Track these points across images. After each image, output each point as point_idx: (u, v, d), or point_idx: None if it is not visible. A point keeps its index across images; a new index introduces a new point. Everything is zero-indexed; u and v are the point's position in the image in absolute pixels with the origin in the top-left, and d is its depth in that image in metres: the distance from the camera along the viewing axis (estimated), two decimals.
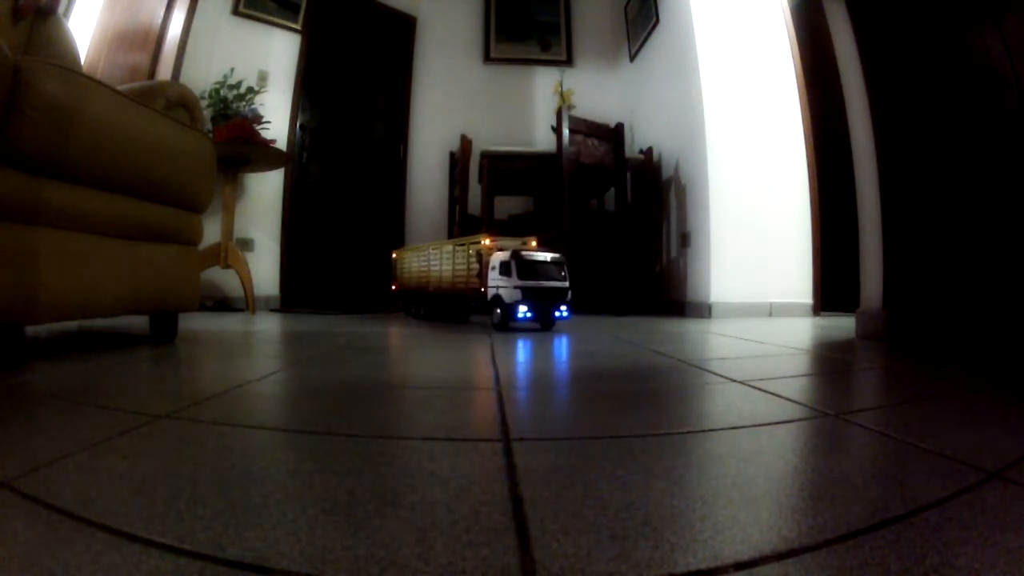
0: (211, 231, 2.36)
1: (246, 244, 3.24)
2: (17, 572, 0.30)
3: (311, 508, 0.40)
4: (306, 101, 3.56)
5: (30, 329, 1.49)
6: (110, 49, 2.99)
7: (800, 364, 1.19)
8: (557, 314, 1.96)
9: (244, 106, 3.03)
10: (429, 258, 2.52)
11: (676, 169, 3.26)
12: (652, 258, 3.48)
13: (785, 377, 1.00)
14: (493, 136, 3.66)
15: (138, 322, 1.92)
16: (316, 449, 0.55)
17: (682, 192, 3.18)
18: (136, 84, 1.63)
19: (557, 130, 2.90)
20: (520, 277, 1.86)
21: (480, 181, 3.17)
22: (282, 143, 3.32)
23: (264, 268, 3.31)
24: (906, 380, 1.03)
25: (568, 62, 4.17)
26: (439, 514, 0.39)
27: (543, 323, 2.01)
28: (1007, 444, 0.58)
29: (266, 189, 3.37)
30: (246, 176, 3.23)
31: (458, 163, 3.39)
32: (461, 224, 3.22)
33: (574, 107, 3.11)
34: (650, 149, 3.42)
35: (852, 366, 1.19)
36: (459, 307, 2.50)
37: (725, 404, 0.79)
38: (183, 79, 2.89)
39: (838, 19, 1.87)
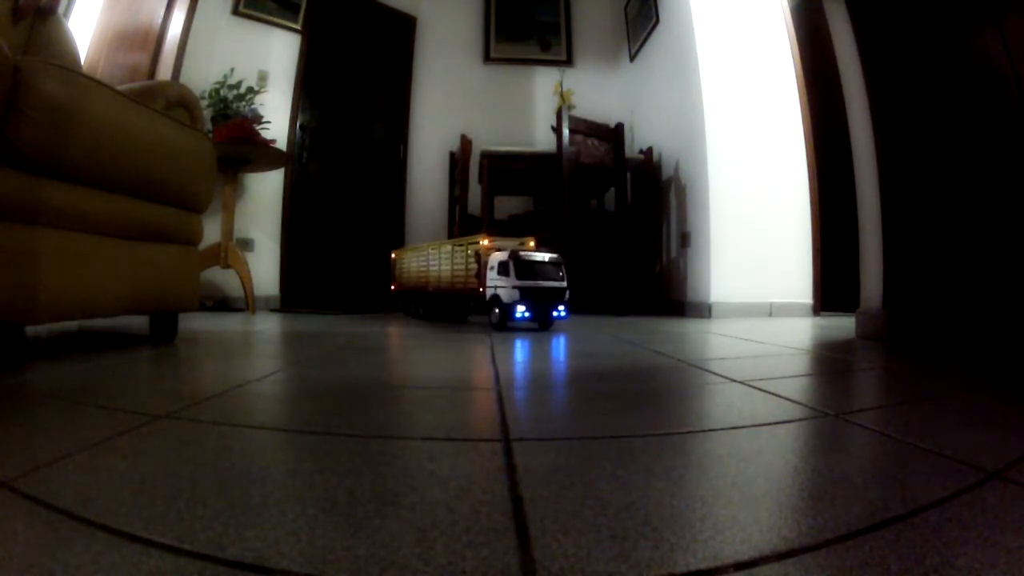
0: (211, 231, 2.36)
1: (246, 244, 3.24)
2: (17, 572, 0.30)
3: (311, 508, 0.40)
4: (306, 101, 3.56)
5: (30, 329, 1.49)
6: (110, 49, 2.99)
7: (800, 364, 1.19)
8: (555, 314, 1.97)
9: (244, 106, 3.03)
10: (428, 258, 2.52)
11: (676, 169, 3.26)
12: (652, 258, 3.48)
13: (785, 377, 1.00)
14: (493, 136, 3.66)
15: (138, 322, 1.92)
16: (316, 449, 0.55)
17: (682, 192, 3.18)
18: (136, 84, 1.63)
19: (557, 130, 2.90)
20: (518, 277, 1.86)
21: (480, 181, 3.17)
22: (282, 143, 3.32)
23: (264, 268, 3.31)
24: (906, 380, 1.03)
25: (568, 62, 4.17)
26: (439, 514, 0.39)
27: (541, 323, 2.01)
28: (1007, 444, 0.58)
29: (266, 189, 3.37)
30: (246, 176, 3.24)
31: (458, 163, 3.39)
32: (461, 224, 3.21)
33: (574, 107, 3.11)
34: (650, 149, 3.42)
35: (852, 366, 1.19)
36: (458, 307, 2.50)
37: (725, 404, 0.79)
38: (183, 79, 2.89)
39: (838, 19, 1.87)
